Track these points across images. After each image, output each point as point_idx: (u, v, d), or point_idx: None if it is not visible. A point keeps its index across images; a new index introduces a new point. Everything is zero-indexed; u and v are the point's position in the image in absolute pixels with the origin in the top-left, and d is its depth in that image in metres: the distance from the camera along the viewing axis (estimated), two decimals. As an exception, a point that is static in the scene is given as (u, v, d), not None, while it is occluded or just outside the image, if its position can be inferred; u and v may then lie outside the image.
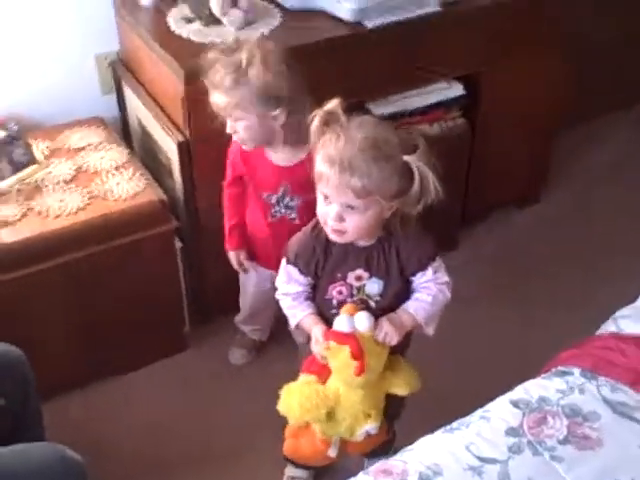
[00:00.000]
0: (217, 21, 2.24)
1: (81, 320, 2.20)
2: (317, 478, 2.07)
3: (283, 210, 2.02)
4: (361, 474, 1.46)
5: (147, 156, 2.45)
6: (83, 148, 2.35)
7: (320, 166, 1.56)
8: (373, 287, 1.70)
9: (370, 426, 1.72)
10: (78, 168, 2.27)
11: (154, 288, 2.27)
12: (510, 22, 2.51)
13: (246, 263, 2.17)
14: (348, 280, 1.70)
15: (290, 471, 2.06)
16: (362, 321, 1.63)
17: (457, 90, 2.55)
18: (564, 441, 1.46)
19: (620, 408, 1.55)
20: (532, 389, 1.59)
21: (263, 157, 1.97)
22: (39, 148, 2.31)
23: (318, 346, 1.67)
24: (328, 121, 1.57)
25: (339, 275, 1.69)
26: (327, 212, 1.58)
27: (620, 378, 1.60)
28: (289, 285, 1.75)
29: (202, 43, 2.15)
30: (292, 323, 1.78)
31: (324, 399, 1.69)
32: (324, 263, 1.69)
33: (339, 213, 1.56)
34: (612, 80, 3.33)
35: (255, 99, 1.81)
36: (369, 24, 2.25)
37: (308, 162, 1.89)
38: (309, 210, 1.96)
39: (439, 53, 2.44)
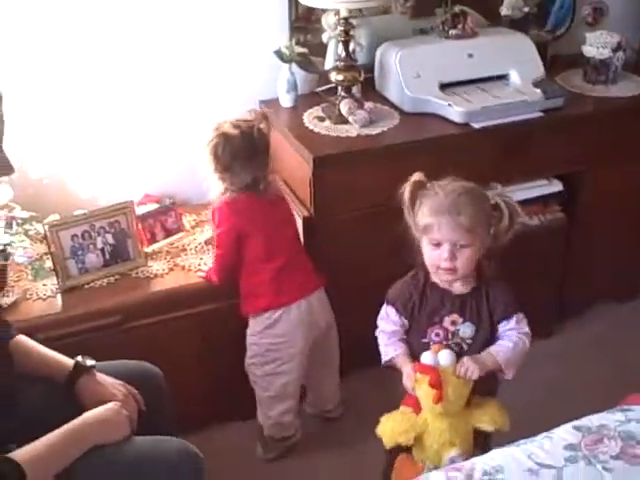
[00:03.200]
0: (345, 121, 2.63)
1: (208, 366, 2.50)
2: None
3: None
4: (434, 472, 1.68)
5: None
6: (223, 221, 2.74)
7: (426, 219, 1.90)
8: (466, 330, 1.97)
9: (454, 454, 1.90)
10: (218, 237, 2.65)
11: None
12: (611, 129, 2.73)
13: None
14: (444, 324, 1.99)
15: None
16: (444, 357, 1.91)
17: (556, 187, 2.78)
18: (616, 457, 1.63)
19: (673, 437, 1.69)
20: (594, 419, 1.78)
21: None
22: (186, 219, 2.73)
23: (409, 378, 1.94)
24: (417, 189, 1.94)
25: (437, 319, 1.98)
26: (439, 255, 1.90)
27: (677, 415, 1.74)
28: (386, 324, 2.06)
29: (330, 136, 2.55)
30: (384, 359, 2.05)
31: (413, 425, 1.95)
32: (420, 307, 1.99)
33: (451, 251, 1.87)
34: None
35: None
36: (476, 125, 2.57)
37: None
38: None
39: (540, 153, 2.68)
